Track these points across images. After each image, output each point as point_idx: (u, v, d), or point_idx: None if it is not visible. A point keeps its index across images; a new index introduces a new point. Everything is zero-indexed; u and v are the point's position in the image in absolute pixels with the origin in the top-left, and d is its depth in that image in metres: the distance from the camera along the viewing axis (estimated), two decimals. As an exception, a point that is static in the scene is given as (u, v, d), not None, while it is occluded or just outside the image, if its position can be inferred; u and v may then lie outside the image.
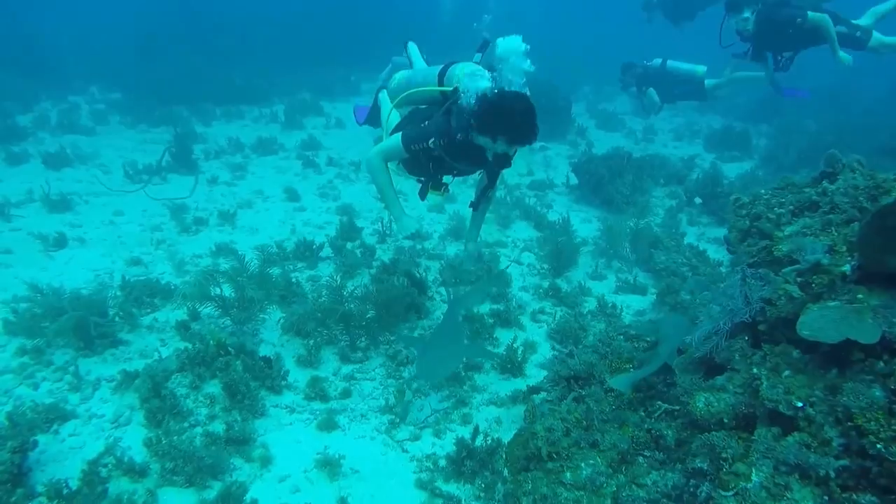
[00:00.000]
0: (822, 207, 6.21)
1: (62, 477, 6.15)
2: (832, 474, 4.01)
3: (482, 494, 6.36)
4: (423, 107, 8.15)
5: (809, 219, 5.94)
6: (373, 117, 9.58)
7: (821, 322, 4.52)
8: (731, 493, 4.20)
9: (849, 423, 4.08)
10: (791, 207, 6.32)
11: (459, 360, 7.42)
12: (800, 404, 4.31)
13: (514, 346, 8.68)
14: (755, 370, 4.80)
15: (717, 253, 11.63)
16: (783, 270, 5.20)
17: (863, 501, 3.93)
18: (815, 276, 5.04)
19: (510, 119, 6.58)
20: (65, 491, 5.97)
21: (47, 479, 6.13)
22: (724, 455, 4.40)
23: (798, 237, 5.59)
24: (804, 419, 4.27)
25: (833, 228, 5.77)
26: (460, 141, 6.91)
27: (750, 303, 5.15)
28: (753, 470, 4.21)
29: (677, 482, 5.42)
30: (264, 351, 8.65)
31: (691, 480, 4.77)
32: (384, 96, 8.84)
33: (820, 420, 4.20)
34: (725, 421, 4.81)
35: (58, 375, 8.14)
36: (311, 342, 8.95)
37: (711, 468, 4.49)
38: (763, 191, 7.17)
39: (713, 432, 4.61)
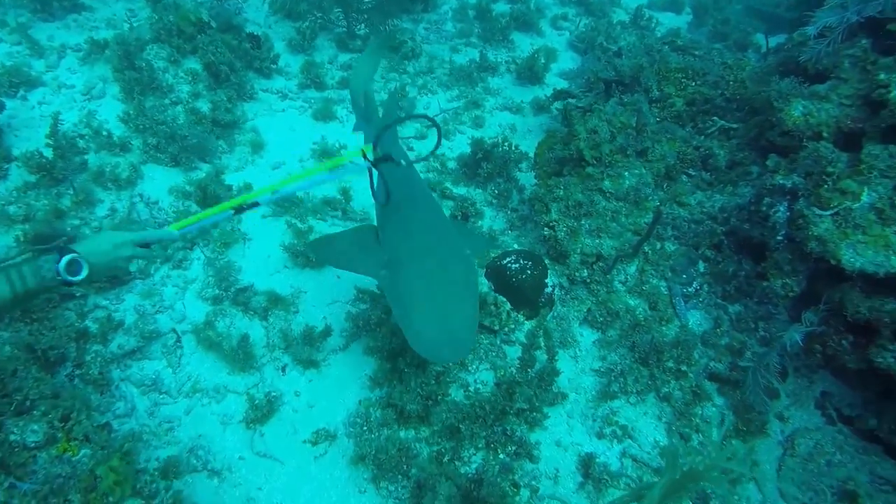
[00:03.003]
0: None
1: (37, 146, 5.00)
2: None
3: (494, 201, 5.49)
4: None
5: None
6: None
7: None
8: (828, 212, 3.28)
9: None
10: None
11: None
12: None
13: (535, 52, 7.20)
14: (882, 76, 3.55)
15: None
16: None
17: None
18: None
19: None
20: (41, 160, 4.91)
21: (23, 148, 5.04)
22: (829, 170, 3.38)
23: None
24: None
25: None
26: None
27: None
28: (865, 189, 3.24)
29: (726, 204, 4.56)
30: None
31: (765, 199, 3.82)
32: None
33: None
34: (825, 135, 3.71)
35: (15, 38, 6.53)
36: (305, 25, 7.28)
37: (809, 184, 3.50)
38: None
39: (821, 142, 3.52)
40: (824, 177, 3.39)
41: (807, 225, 3.33)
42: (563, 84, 7.03)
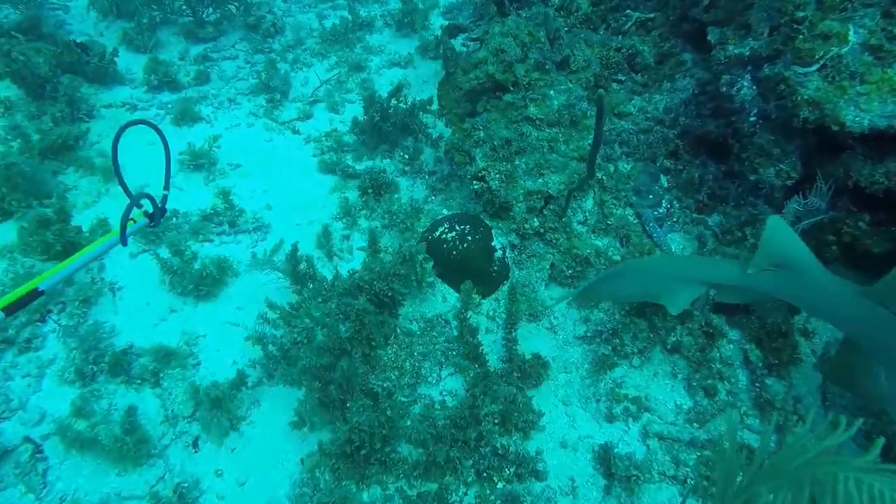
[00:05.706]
0: None
1: None
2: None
3: (407, 168, 4.54)
4: None
5: None
6: None
7: None
8: (815, 66, 2.53)
9: None
10: None
11: None
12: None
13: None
14: None
15: None
16: None
17: None
18: None
19: None
20: None
21: None
22: (799, 14, 2.61)
23: None
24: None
25: None
26: None
27: None
28: (850, 26, 2.50)
29: (669, 103, 3.80)
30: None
31: (723, 78, 3.04)
32: None
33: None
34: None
35: None
36: (143, 21, 6.01)
37: (776, 41, 2.72)
38: None
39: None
40: (795, 25, 2.63)
41: (792, 90, 2.58)
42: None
